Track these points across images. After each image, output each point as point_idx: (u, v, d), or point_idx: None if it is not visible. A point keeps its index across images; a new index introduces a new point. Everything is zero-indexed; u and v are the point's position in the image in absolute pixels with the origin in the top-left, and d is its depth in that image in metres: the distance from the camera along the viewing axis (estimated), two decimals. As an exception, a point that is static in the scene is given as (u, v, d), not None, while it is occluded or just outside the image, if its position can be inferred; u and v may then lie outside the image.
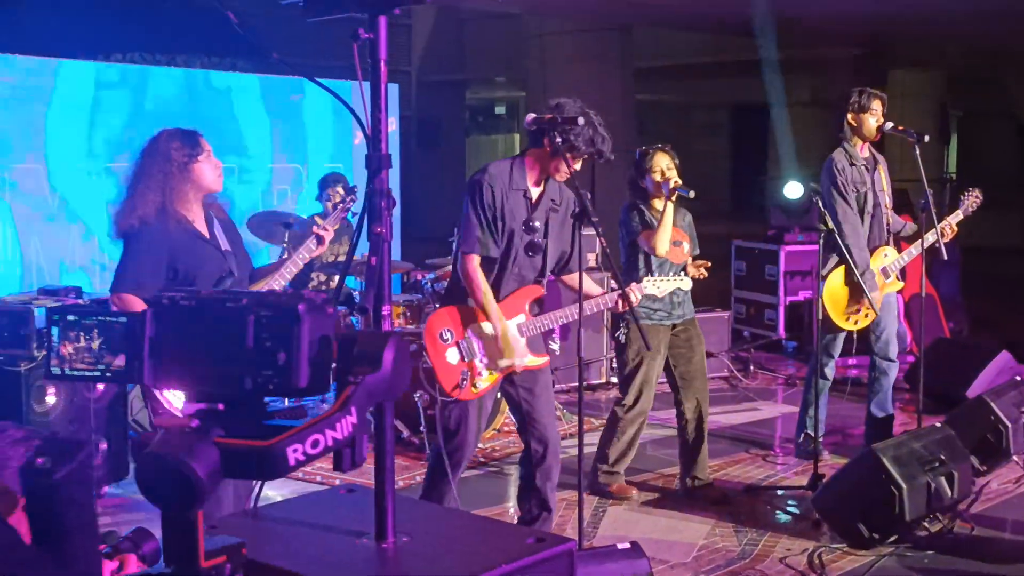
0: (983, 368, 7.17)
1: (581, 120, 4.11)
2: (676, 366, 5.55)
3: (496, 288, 4.35)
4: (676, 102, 24.63)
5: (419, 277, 7.16)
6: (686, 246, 5.47)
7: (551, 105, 4.30)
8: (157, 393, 3.89)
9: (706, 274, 5.50)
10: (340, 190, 7.03)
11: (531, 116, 4.29)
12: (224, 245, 4.11)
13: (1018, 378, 6.27)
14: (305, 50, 9.09)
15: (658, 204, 5.38)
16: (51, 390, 5.06)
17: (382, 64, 2.56)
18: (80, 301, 5.30)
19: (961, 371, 7.17)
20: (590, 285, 4.62)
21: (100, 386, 5.30)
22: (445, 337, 4.32)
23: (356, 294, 6.53)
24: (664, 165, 5.37)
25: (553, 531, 4.57)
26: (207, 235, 4.06)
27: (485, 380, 4.38)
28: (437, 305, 6.76)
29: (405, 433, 6.38)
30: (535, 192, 4.39)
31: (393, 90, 9.10)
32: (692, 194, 5.21)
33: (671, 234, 5.25)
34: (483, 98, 24.78)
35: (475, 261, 4.32)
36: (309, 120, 8.42)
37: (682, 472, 5.67)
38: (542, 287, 4.50)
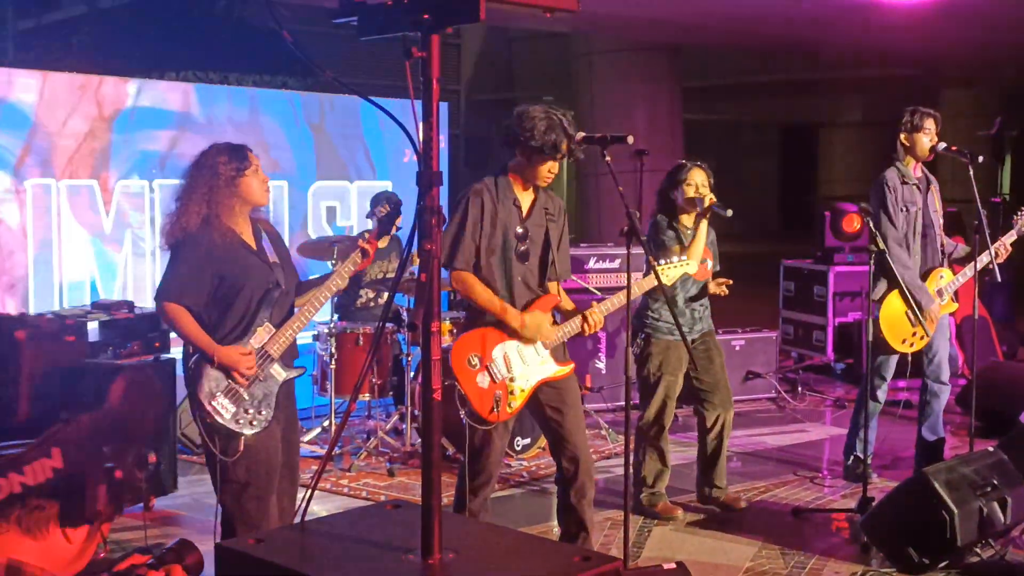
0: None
1: (538, 115, 4.21)
2: (696, 377, 5.55)
3: (511, 299, 4.38)
4: (724, 121, 24.54)
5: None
6: (709, 263, 5.52)
7: (515, 112, 4.36)
8: (206, 404, 3.93)
9: (727, 291, 5.51)
10: (388, 206, 7.07)
11: (502, 130, 4.38)
12: (272, 257, 4.17)
13: (1074, 402, 6.19)
14: (353, 69, 9.19)
15: (686, 220, 5.44)
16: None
17: (434, 82, 2.58)
18: (131, 315, 5.37)
19: (1014, 395, 7.06)
20: (565, 301, 4.63)
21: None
22: (473, 363, 4.31)
23: (404, 311, 6.55)
24: (699, 181, 5.40)
25: (598, 550, 4.55)
26: (254, 247, 4.11)
27: (518, 399, 4.39)
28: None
29: (451, 451, 6.38)
30: (525, 202, 4.42)
31: (443, 108, 9.15)
32: (729, 212, 5.20)
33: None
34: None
35: (467, 274, 4.34)
36: (356, 137, 8.48)
37: (699, 481, 5.70)
38: (556, 296, 4.53)
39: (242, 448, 3.96)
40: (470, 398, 4.27)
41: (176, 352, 5.77)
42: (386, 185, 8.21)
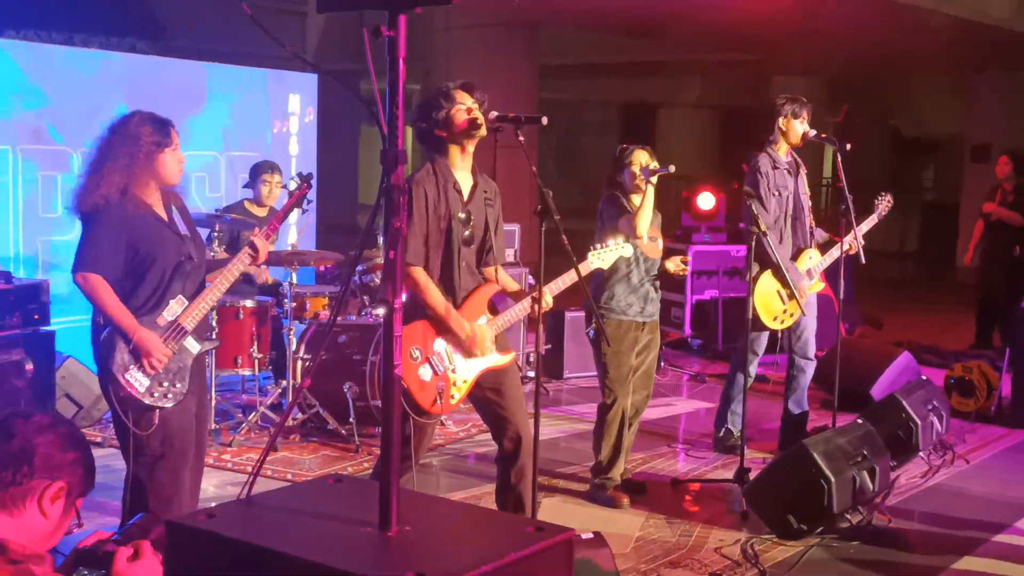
0: (884, 368, 7.49)
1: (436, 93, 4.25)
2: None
3: (453, 285, 4.36)
4: (572, 100, 24.89)
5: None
6: (660, 242, 5.59)
7: (416, 106, 4.39)
8: (119, 377, 3.84)
9: (686, 268, 5.62)
10: (276, 177, 6.96)
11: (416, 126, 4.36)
12: (183, 230, 4.10)
13: (923, 377, 6.62)
14: (232, 37, 8.96)
15: (636, 199, 5.48)
16: (-21, 377, 4.92)
17: (401, 62, 2.59)
18: (8, 286, 5.16)
19: (863, 371, 7.47)
20: (506, 281, 4.65)
21: (29, 371, 5.18)
22: (415, 355, 4.27)
23: (285, 285, 6.47)
24: (643, 161, 5.47)
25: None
26: (165, 219, 4.04)
27: (460, 390, 4.38)
28: (366, 298, 6.80)
29: (332, 424, 6.37)
30: (465, 186, 4.42)
31: (312, 80, 9.03)
32: (672, 168, 5.28)
33: (649, 231, 5.29)
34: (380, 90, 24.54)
35: (419, 271, 4.29)
36: (222, 108, 8.30)
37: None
38: (497, 284, 4.53)
39: (157, 421, 3.89)
40: (412, 391, 4.22)
41: (56, 325, 5.59)
42: (255, 156, 8.06)
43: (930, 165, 23.13)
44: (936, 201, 21.31)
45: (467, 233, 4.37)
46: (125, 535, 2.45)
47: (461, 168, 4.41)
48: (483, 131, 4.33)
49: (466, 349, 4.34)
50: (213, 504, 3.60)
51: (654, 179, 5.34)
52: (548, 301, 4.41)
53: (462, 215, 4.35)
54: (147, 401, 3.87)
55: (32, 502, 2.21)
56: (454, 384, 4.34)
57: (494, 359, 4.45)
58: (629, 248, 4.94)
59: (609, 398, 5.51)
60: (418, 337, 4.28)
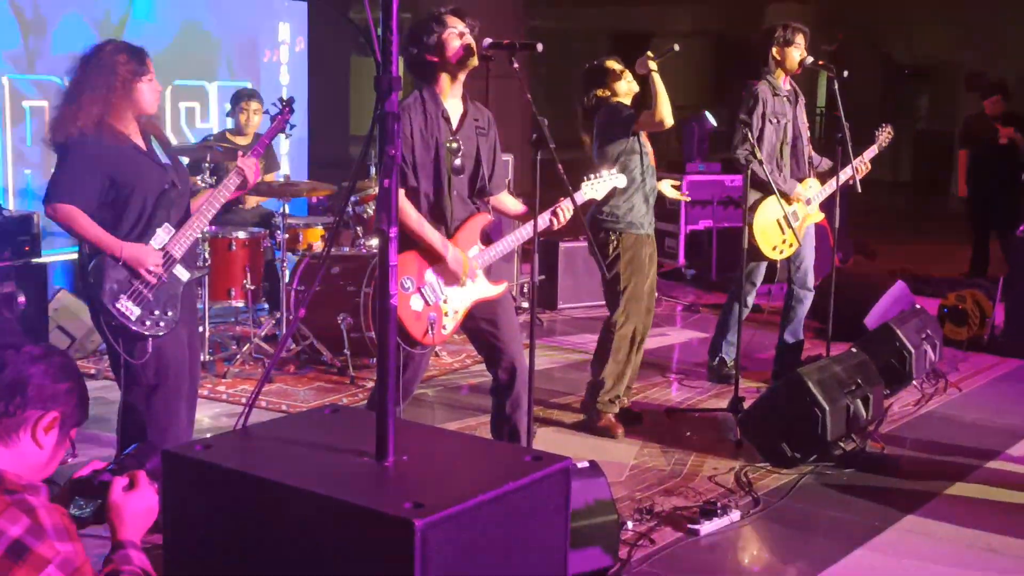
0: (878, 297, 7.49)
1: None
2: None
3: (443, 214, 4.32)
4: (559, 29, 24.61)
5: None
6: (651, 153, 5.48)
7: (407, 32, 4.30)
8: (110, 306, 3.82)
9: (686, 196, 5.52)
10: (255, 104, 6.88)
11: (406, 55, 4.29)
12: (163, 159, 4.07)
13: (917, 306, 6.62)
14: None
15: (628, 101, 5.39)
16: (-29, 309, 4.89)
17: (395, -15, 2.53)
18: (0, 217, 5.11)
19: (856, 300, 7.47)
20: (514, 205, 4.64)
21: (21, 303, 5.15)
22: (406, 286, 4.24)
23: (277, 216, 6.43)
24: (619, 69, 5.40)
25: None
26: (144, 148, 4.00)
27: (452, 320, 4.36)
28: (359, 228, 6.76)
29: (326, 356, 6.37)
30: (455, 114, 4.36)
31: (302, 9, 8.89)
32: (677, 47, 5.16)
33: (595, 197, 4.85)
34: (366, 18, 24.27)
35: (401, 194, 4.23)
36: (210, 36, 8.17)
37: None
38: (489, 214, 4.49)
39: (150, 350, 3.88)
40: (404, 322, 4.18)
41: (47, 257, 5.55)
42: (244, 84, 7.96)
43: (924, 93, 22.99)
44: (930, 129, 21.22)
45: (457, 162, 4.31)
46: (120, 465, 2.45)
47: (451, 96, 4.33)
48: (475, 60, 4.26)
49: (454, 275, 4.31)
50: (209, 435, 3.60)
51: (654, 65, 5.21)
52: (566, 212, 4.36)
53: (452, 144, 4.29)
54: (139, 329, 3.86)
55: (26, 433, 2.20)
56: (446, 314, 4.32)
57: (486, 289, 4.42)
58: (623, 178, 4.83)
59: (622, 316, 5.40)
60: (410, 267, 4.26)
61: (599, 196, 4.74)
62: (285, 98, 4.63)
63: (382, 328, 2.66)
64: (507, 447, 3.65)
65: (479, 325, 4.47)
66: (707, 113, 9.43)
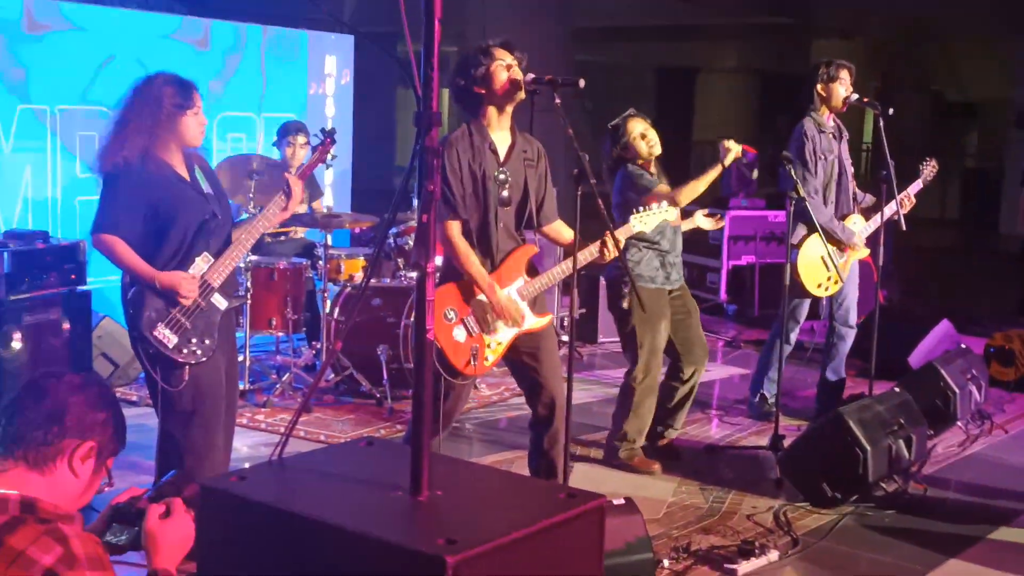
0: (923, 336, 7.40)
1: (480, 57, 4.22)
2: (675, 332, 5.46)
3: (490, 247, 4.33)
4: (606, 63, 24.69)
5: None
6: (675, 210, 5.36)
7: (466, 63, 4.32)
8: (148, 334, 3.86)
9: (721, 221, 5.43)
10: (301, 139, 6.95)
11: (453, 86, 4.33)
12: (207, 189, 4.11)
13: (963, 346, 6.53)
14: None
15: (650, 167, 5.37)
16: (17, 335, 4.96)
17: (436, 23, 2.55)
18: (46, 245, 5.19)
19: (901, 339, 7.39)
20: (568, 235, 4.55)
21: (65, 331, 5.22)
22: (449, 316, 4.25)
23: (319, 246, 6.47)
24: (640, 130, 5.34)
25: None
26: (187, 178, 4.05)
27: (495, 352, 4.36)
28: (400, 260, 6.80)
29: (365, 387, 6.39)
30: (502, 145, 4.38)
31: (348, 41, 8.99)
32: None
33: (644, 231, 4.79)
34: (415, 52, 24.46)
35: (454, 228, 4.26)
36: (258, 69, 8.28)
37: (654, 424, 5.54)
38: (536, 247, 4.49)
39: (187, 377, 3.92)
40: (446, 352, 4.21)
41: (92, 284, 5.63)
42: (291, 118, 8.04)
43: (972, 130, 22.78)
44: (978, 167, 21.00)
45: (504, 194, 4.33)
46: (158, 492, 2.47)
47: (498, 128, 4.36)
48: (522, 93, 4.28)
49: (505, 319, 4.31)
50: (247, 464, 3.63)
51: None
52: (614, 245, 4.33)
53: (500, 176, 4.31)
54: (176, 357, 3.90)
55: (63, 462, 2.22)
56: (488, 346, 4.32)
57: (531, 321, 4.41)
58: (674, 212, 4.73)
59: (642, 372, 5.32)
60: (453, 298, 4.27)
61: (648, 229, 4.65)
62: (327, 129, 4.67)
63: (418, 363, 2.66)
64: (541, 484, 3.62)
65: (521, 358, 4.46)
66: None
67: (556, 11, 13.73)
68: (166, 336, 3.89)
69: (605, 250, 4.38)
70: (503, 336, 4.37)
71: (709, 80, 24.15)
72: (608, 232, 4.35)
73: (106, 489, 2.39)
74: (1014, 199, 15.81)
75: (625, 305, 5.28)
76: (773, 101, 19.00)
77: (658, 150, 5.37)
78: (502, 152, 4.35)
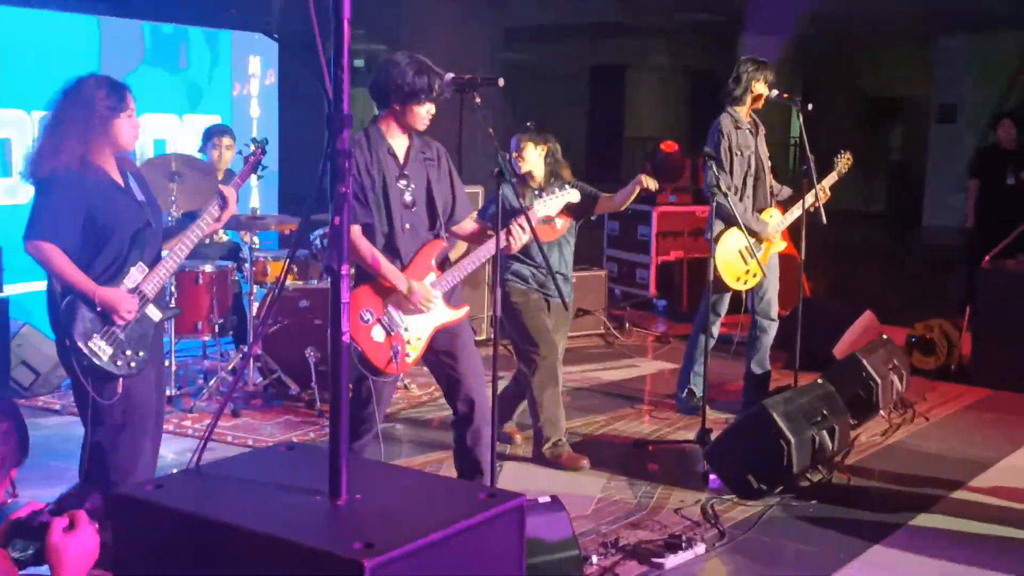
0: (846, 328, 7.52)
1: (404, 61, 4.26)
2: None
3: (395, 250, 4.36)
4: (535, 63, 24.73)
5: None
6: (559, 222, 5.44)
7: (380, 63, 4.39)
8: (82, 346, 3.76)
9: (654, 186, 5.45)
10: (227, 141, 6.88)
11: (370, 83, 4.37)
12: (140, 196, 4.04)
13: (884, 336, 6.65)
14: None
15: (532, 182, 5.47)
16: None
17: (346, 23, 2.54)
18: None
19: (825, 330, 7.50)
20: (469, 227, 4.64)
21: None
22: (366, 318, 4.28)
23: (245, 249, 6.40)
24: (532, 158, 5.42)
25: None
26: (122, 185, 3.98)
27: (415, 348, 4.39)
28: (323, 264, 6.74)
29: (294, 389, 6.34)
30: (400, 149, 4.42)
31: (274, 46, 8.91)
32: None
33: (549, 214, 4.77)
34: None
35: (355, 230, 4.27)
36: (180, 68, 8.18)
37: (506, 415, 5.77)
38: (443, 241, 4.52)
39: (120, 390, 3.85)
40: (366, 353, 4.25)
41: (9, 291, 5.51)
42: (215, 119, 7.96)
43: (896, 126, 23.18)
44: (902, 162, 21.38)
45: (408, 197, 4.38)
46: (59, 506, 2.42)
47: (397, 133, 4.41)
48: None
49: (412, 306, 4.34)
50: (174, 471, 3.58)
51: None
52: (518, 232, 4.38)
53: (401, 181, 4.36)
54: (111, 369, 3.83)
55: None
56: (408, 342, 4.36)
57: (447, 314, 4.45)
58: (576, 193, 4.74)
59: (531, 365, 5.44)
60: (368, 299, 4.30)
61: (553, 213, 4.70)
62: (258, 139, 4.63)
63: (334, 365, 2.65)
64: (462, 484, 3.63)
65: (438, 357, 4.49)
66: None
67: (484, 11, 13.72)
68: (101, 348, 3.81)
69: (511, 239, 4.41)
70: (422, 331, 4.40)
71: (638, 78, 24.31)
72: (514, 221, 4.39)
73: (9, 500, 2.35)
74: (937, 192, 16.14)
75: (503, 311, 5.36)
76: (701, 97, 19.18)
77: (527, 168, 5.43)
78: (401, 155, 4.41)
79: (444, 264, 4.54)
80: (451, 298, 4.48)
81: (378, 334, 4.29)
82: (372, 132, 4.39)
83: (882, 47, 20.18)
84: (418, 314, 4.37)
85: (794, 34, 18.72)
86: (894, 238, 17.29)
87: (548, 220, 4.84)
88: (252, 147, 4.50)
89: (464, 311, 4.52)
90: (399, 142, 4.41)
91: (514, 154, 5.43)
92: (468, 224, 4.61)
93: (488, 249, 4.46)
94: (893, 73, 20.76)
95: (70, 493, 2.51)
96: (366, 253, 4.26)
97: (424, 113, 4.33)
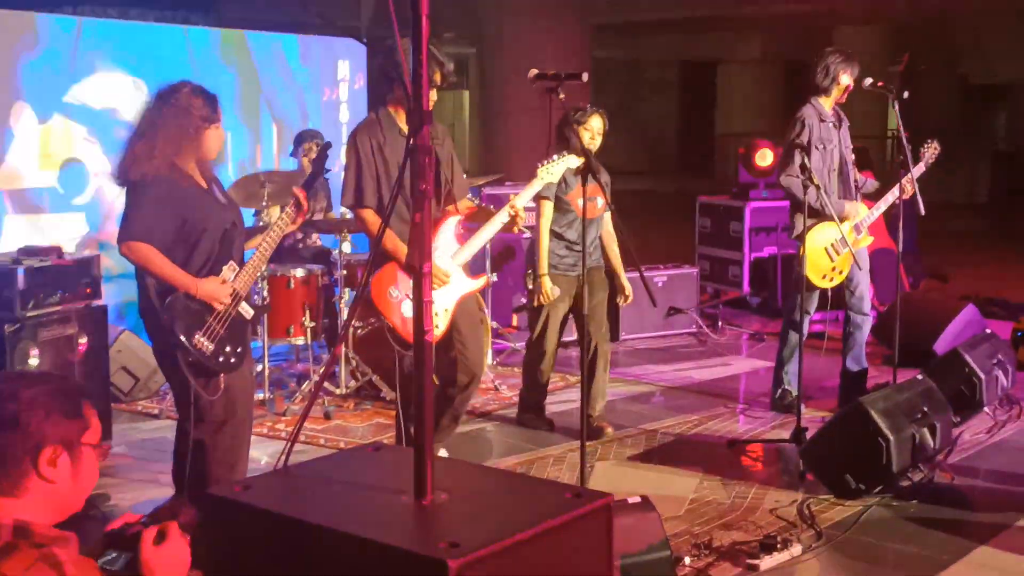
0: (948, 322, 7.31)
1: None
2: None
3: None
4: (627, 58, 24.61)
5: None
6: (600, 201, 5.63)
7: (384, 48, 4.52)
8: (186, 342, 3.86)
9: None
10: (315, 146, 6.96)
11: (376, 68, 4.64)
12: (223, 199, 4.13)
13: (988, 331, 6.44)
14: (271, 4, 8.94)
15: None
16: (34, 351, 4.96)
17: (424, 19, 2.53)
18: (61, 261, 5.20)
19: (924, 325, 7.30)
20: (465, 207, 4.98)
21: (82, 346, 5.24)
22: (394, 294, 4.53)
23: (335, 253, 6.47)
24: (597, 128, 5.63)
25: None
26: (207, 189, 4.07)
27: (443, 319, 4.67)
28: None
29: (384, 392, 6.38)
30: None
31: (360, 45, 8.98)
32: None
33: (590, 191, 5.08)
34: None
35: (370, 215, 4.61)
36: (274, 77, 8.29)
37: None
38: (458, 214, 4.80)
39: (222, 386, 3.94)
40: (398, 329, 4.51)
41: (108, 298, 5.64)
42: (305, 125, 8.06)
43: (1000, 112, 22.52)
44: (1007, 150, 20.75)
45: None
46: (153, 517, 2.44)
47: (405, 118, 4.54)
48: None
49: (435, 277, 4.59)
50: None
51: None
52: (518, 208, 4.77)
53: None
54: (214, 365, 3.92)
55: (32, 477, 2.16)
56: (436, 314, 4.58)
57: (468, 284, 4.79)
58: (575, 159, 5.01)
59: (535, 337, 5.90)
60: (392, 277, 4.54)
61: (555, 179, 5.07)
62: (322, 143, 4.77)
63: (419, 364, 2.64)
64: (549, 484, 3.59)
65: (448, 330, 4.75)
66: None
67: (573, 8, 13.68)
68: (204, 344, 3.91)
69: (514, 214, 4.75)
70: (448, 303, 4.69)
71: (730, 71, 24.02)
72: (511, 195, 4.82)
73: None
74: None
75: (529, 285, 5.81)
76: (795, 90, 18.88)
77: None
78: None
79: (460, 237, 4.81)
80: (471, 268, 4.81)
81: (407, 309, 4.44)
82: (383, 115, 4.63)
83: (984, 30, 19.63)
84: (442, 287, 4.62)
85: (890, 21, 18.34)
86: (998, 229, 16.78)
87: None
88: (316, 150, 4.61)
89: (484, 279, 4.90)
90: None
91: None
92: (464, 204, 4.92)
93: (500, 221, 4.79)
94: (996, 57, 20.17)
95: (164, 505, 2.52)
96: (384, 235, 4.45)
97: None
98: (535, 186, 5.01)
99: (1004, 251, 13.93)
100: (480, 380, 4.90)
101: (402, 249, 4.50)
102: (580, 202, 5.46)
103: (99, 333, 5.33)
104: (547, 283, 5.63)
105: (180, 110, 3.93)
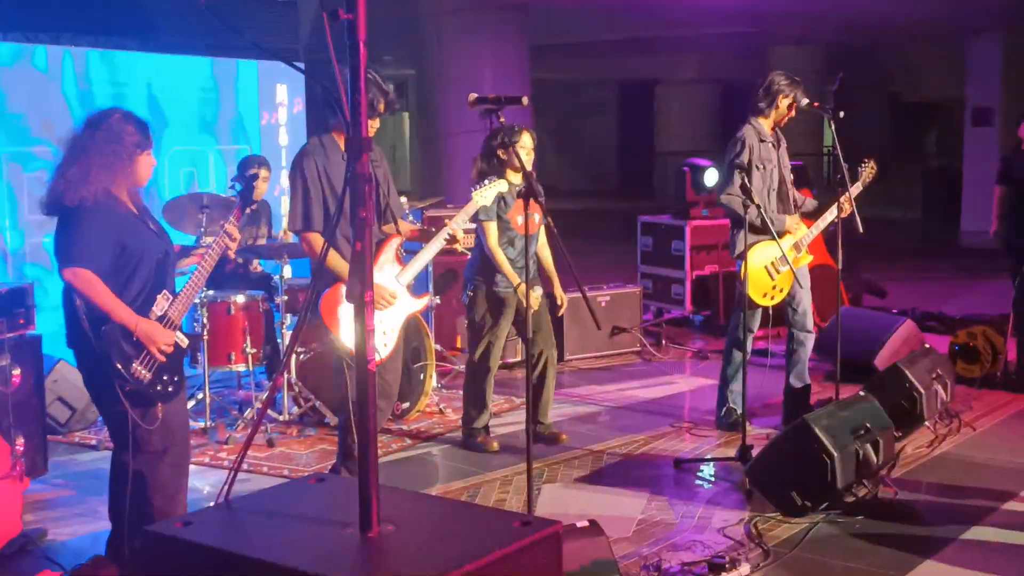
0: (888, 337, 7.39)
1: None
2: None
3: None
4: (566, 79, 24.72)
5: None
6: (537, 217, 5.60)
7: (324, 75, 4.51)
8: (124, 371, 3.77)
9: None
10: (263, 172, 6.87)
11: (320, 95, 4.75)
12: (154, 227, 4.07)
13: (927, 345, 6.52)
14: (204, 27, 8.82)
15: (512, 176, 5.78)
16: (-33, 384, 4.84)
17: (361, 46, 2.50)
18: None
19: (865, 340, 7.37)
20: (406, 228, 5.09)
21: (16, 377, 5.11)
22: (343, 313, 4.61)
23: (276, 279, 6.39)
24: (530, 144, 5.73)
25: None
26: (139, 215, 4.01)
27: (391, 338, 4.81)
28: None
29: (329, 418, 6.30)
30: None
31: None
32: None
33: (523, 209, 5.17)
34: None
35: (318, 239, 4.66)
36: (213, 102, 8.20)
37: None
38: (400, 236, 4.91)
39: (160, 415, 3.87)
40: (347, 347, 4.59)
41: (42, 327, 5.52)
42: (244, 149, 7.98)
43: (931, 130, 22.93)
44: (938, 166, 21.11)
45: None
46: (73, 575, 2.38)
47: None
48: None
49: (380, 299, 4.70)
50: (210, 504, 3.55)
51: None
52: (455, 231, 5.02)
53: None
54: (151, 395, 3.85)
55: None
56: (384, 333, 4.76)
57: (412, 304, 4.96)
58: (504, 183, 5.39)
59: (477, 355, 5.92)
60: (341, 299, 4.60)
61: (488, 202, 5.33)
62: (244, 175, 4.73)
63: (360, 392, 2.60)
64: (497, 513, 3.56)
65: None
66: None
67: (512, 31, 13.71)
68: (142, 372, 3.84)
69: (454, 238, 5.00)
70: (393, 323, 4.84)
71: (669, 91, 24.24)
72: (446, 220, 4.99)
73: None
74: (975, 196, 15.88)
75: (465, 300, 5.93)
76: (732, 110, 19.07)
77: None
78: None
79: (401, 259, 4.98)
80: (413, 288, 4.94)
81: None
82: (326, 141, 4.76)
83: (914, 51, 20.00)
84: (388, 308, 4.75)
85: (823, 41, 18.61)
86: (931, 244, 17.06)
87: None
88: (260, 175, 4.56)
89: (427, 299, 5.05)
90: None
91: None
92: (404, 226, 5.02)
93: (439, 242, 4.98)
94: (926, 77, 20.56)
95: (86, 564, 2.46)
96: (331, 258, 4.56)
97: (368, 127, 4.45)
98: (469, 210, 5.24)
99: (939, 265, 14.16)
100: (393, 404, 5.10)
101: (341, 267, 4.59)
102: (520, 220, 5.59)
103: (34, 363, 5.22)
104: (524, 289, 5.60)
105: (112, 136, 3.87)
